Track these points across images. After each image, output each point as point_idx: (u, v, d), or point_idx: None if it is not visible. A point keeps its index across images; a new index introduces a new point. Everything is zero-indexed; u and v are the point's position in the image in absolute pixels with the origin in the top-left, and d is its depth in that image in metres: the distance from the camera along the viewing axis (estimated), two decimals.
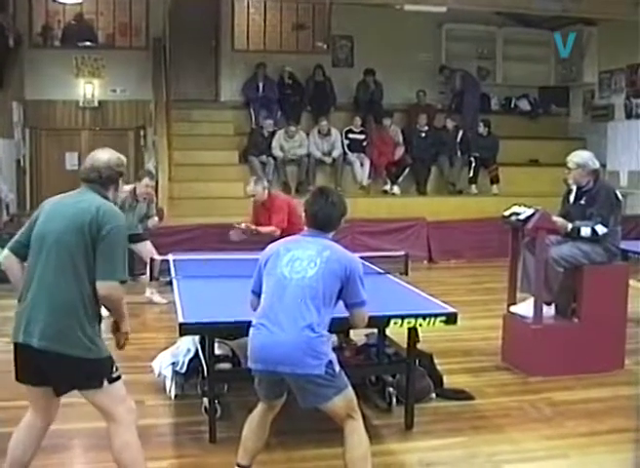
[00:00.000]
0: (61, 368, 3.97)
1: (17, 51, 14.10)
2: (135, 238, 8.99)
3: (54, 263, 3.97)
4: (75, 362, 3.94)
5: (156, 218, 9.55)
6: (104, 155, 4.21)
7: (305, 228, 4.56)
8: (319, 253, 4.29)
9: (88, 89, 14.73)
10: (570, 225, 6.73)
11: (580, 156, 6.92)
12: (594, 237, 6.68)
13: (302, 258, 4.30)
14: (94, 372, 4.02)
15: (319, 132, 14.21)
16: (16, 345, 4.10)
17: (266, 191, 8.88)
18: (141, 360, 6.59)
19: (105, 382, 4.04)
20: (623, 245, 7.42)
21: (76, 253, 3.94)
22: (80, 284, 3.94)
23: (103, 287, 3.94)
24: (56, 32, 14.95)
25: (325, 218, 4.43)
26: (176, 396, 5.95)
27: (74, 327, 3.93)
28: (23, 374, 4.18)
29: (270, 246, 4.57)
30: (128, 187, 9.03)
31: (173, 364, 5.98)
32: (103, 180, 4.14)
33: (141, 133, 14.76)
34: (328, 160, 14.14)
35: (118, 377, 4.13)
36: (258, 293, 4.45)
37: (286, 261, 4.33)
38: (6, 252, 4.28)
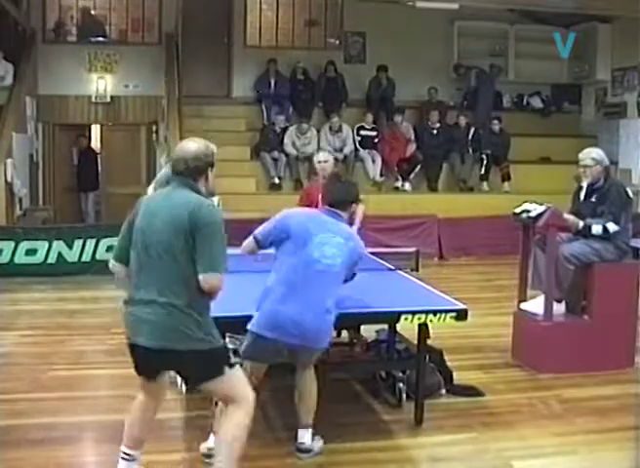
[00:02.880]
0: (185, 363, 4.02)
1: (30, 46, 14.16)
2: None
3: (159, 264, 3.95)
4: (196, 356, 3.96)
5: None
6: (193, 145, 4.14)
7: (323, 207, 5.00)
8: (346, 242, 4.74)
9: (100, 84, 14.77)
10: (581, 223, 6.72)
11: (596, 152, 6.92)
12: (605, 235, 6.67)
13: (331, 245, 4.68)
14: (214, 362, 4.05)
15: (330, 128, 14.21)
16: (133, 345, 4.14)
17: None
18: None
19: (226, 368, 4.07)
20: (634, 243, 7.41)
21: (179, 252, 3.92)
22: (188, 281, 3.94)
23: (206, 280, 3.96)
24: (69, 28, 15.00)
25: (340, 197, 4.92)
26: (187, 390, 5.98)
27: (190, 323, 3.95)
28: (143, 371, 4.27)
29: (296, 212, 4.95)
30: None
31: None
32: (192, 171, 4.08)
33: (154, 128, 14.80)
34: (339, 156, 14.13)
35: (234, 363, 4.18)
36: (261, 244, 4.83)
37: (316, 243, 4.65)
38: (112, 262, 4.21)
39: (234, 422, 4.08)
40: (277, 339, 4.59)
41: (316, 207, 8.20)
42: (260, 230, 4.84)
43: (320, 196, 8.19)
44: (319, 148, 13.93)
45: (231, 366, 4.10)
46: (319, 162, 8.23)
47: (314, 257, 4.62)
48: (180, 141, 4.27)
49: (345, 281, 4.86)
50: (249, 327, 4.69)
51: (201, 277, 3.93)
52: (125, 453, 4.30)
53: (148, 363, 4.15)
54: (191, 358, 3.96)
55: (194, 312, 3.96)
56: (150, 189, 8.50)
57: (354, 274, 4.93)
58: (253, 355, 4.73)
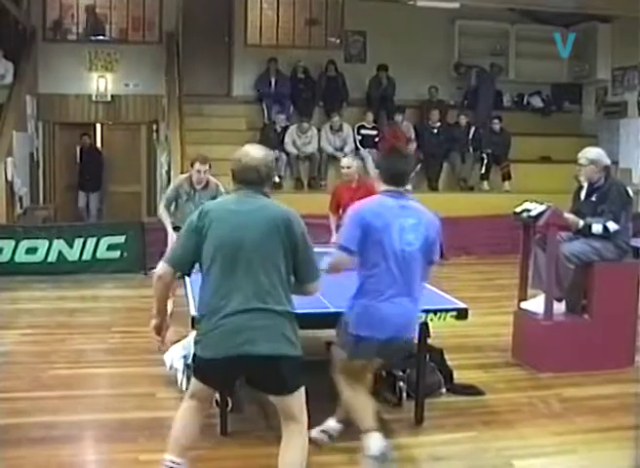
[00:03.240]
0: (281, 369, 3.94)
1: (30, 44, 14.16)
2: None
3: (257, 270, 3.88)
4: (292, 362, 3.94)
5: None
6: (260, 152, 4.09)
7: (384, 186, 4.76)
8: (420, 222, 4.68)
9: (101, 83, 14.78)
10: (581, 222, 6.72)
11: (592, 152, 6.92)
12: (605, 234, 6.67)
13: (408, 229, 4.61)
14: (300, 371, 4.02)
15: (331, 127, 14.21)
16: (214, 359, 3.92)
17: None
18: (153, 353, 6.62)
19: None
20: (635, 242, 7.41)
21: (277, 257, 3.90)
22: (284, 285, 3.94)
23: (314, 287, 4.04)
24: (69, 26, 15.00)
25: (406, 175, 4.91)
26: (187, 389, 5.97)
27: (288, 327, 3.96)
28: (216, 383, 4.16)
29: (365, 207, 4.70)
30: (183, 176, 8.62)
31: (184, 357, 6.00)
32: (263, 179, 4.02)
33: (154, 127, 14.81)
34: (340, 155, 14.12)
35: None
36: (354, 252, 4.59)
37: (396, 231, 4.58)
38: (166, 266, 4.05)
39: (301, 445, 4.02)
40: (391, 337, 4.59)
41: (345, 206, 8.44)
42: (341, 240, 4.67)
43: (349, 196, 8.44)
44: (320, 148, 13.98)
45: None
46: (342, 167, 8.69)
47: (399, 248, 4.56)
48: (245, 150, 4.14)
49: (431, 262, 4.84)
50: (350, 330, 4.65)
51: (310, 285, 4.01)
52: (172, 462, 4.10)
53: (235, 371, 4.03)
54: (288, 364, 3.92)
55: (291, 317, 3.98)
56: (161, 207, 8.44)
57: (441, 252, 4.91)
58: (362, 354, 4.70)
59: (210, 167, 8.25)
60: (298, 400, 4.02)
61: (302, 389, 4.02)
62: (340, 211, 8.32)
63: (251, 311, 3.86)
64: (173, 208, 8.41)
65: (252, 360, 3.85)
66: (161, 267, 4.06)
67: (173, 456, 4.09)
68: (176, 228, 8.17)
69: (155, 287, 4.09)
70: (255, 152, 4.07)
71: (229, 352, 3.85)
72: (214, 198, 8.26)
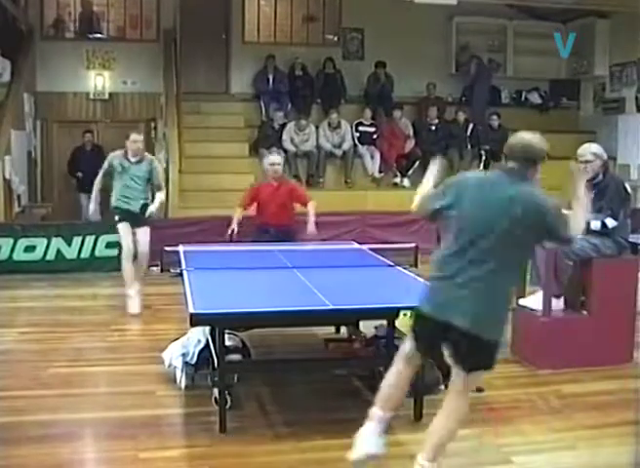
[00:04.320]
0: (476, 350, 4.02)
1: (28, 43, 14.15)
2: (139, 221, 8.83)
3: (492, 251, 4.02)
4: (490, 346, 4.04)
5: (162, 195, 9.15)
6: (528, 135, 4.57)
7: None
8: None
9: (99, 81, 14.79)
10: None
11: (595, 147, 6.94)
12: (604, 230, 6.68)
13: None
14: (495, 355, 4.09)
15: (329, 124, 14.22)
16: (422, 315, 4.17)
17: None
18: (152, 351, 6.64)
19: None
20: (633, 238, 7.41)
21: (511, 243, 4.03)
22: (511, 273, 4.12)
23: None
24: (67, 24, 14.99)
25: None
26: (186, 386, 5.98)
27: (500, 314, 4.07)
28: (420, 343, 4.26)
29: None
30: (118, 151, 8.93)
31: (183, 355, 6.02)
32: (524, 159, 4.44)
33: (152, 125, 14.79)
34: (338, 153, 14.16)
35: None
36: None
37: None
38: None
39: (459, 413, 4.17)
40: None
41: (264, 204, 8.61)
42: None
43: (270, 194, 8.62)
44: (318, 145, 13.97)
45: None
46: (272, 164, 8.72)
47: None
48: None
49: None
50: None
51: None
52: (377, 414, 4.29)
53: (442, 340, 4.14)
54: (487, 347, 4.05)
55: (508, 298, 4.14)
56: (96, 180, 9.00)
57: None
58: None
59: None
60: (478, 377, 4.25)
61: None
62: (257, 208, 8.78)
63: (464, 286, 4.04)
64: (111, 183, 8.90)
65: (442, 327, 4.06)
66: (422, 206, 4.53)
67: (379, 410, 4.30)
68: (116, 211, 8.84)
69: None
70: (524, 135, 4.59)
71: (433, 312, 4.14)
72: (149, 172, 8.85)
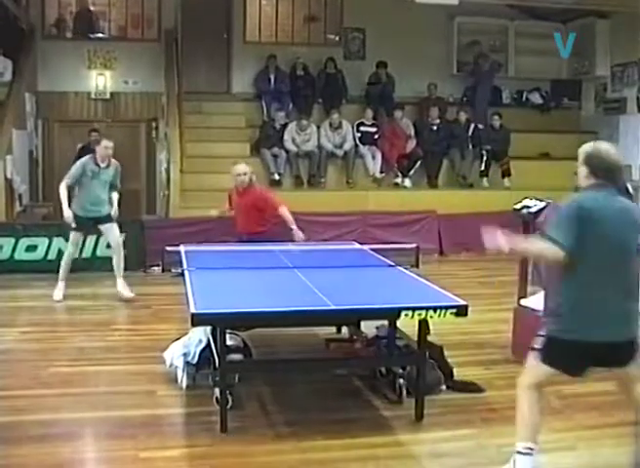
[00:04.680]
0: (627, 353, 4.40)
1: (29, 42, 14.15)
2: (105, 220, 9.29)
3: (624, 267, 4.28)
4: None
5: (115, 194, 9.55)
6: (616, 153, 4.60)
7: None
8: None
9: (100, 80, 14.77)
10: None
11: None
12: None
13: None
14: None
15: (330, 124, 14.21)
16: (581, 343, 4.34)
17: None
18: (153, 350, 6.64)
19: None
20: None
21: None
22: None
23: None
24: (68, 24, 15.00)
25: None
26: (187, 386, 5.99)
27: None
28: (580, 370, 4.66)
29: None
30: (87, 157, 9.30)
31: (184, 354, 6.02)
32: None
33: (153, 124, 14.80)
34: (339, 153, 14.15)
35: None
36: None
37: None
38: (557, 249, 4.23)
39: None
40: None
41: (235, 207, 8.60)
42: None
43: (236, 199, 8.58)
44: (319, 145, 13.96)
45: None
46: (237, 175, 8.59)
47: None
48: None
49: None
50: None
51: None
52: (531, 449, 4.47)
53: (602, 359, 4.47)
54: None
55: None
56: (63, 185, 9.18)
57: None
58: None
59: None
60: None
61: None
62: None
63: (618, 305, 4.33)
64: (76, 189, 9.29)
65: (606, 346, 4.40)
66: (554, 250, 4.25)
67: (532, 444, 4.50)
68: (76, 219, 9.21)
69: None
70: (616, 153, 4.66)
71: (597, 338, 4.36)
72: (114, 176, 9.36)
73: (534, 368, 4.61)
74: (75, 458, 4.97)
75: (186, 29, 14.91)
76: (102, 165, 9.22)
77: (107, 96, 14.83)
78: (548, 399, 6.01)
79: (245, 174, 8.58)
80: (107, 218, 9.34)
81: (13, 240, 10.81)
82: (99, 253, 10.98)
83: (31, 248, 10.87)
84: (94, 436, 5.35)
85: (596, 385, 6.31)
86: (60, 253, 10.84)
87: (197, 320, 4.99)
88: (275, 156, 13.79)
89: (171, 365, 6.14)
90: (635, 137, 14.45)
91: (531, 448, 4.44)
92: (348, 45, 15.90)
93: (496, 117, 14.73)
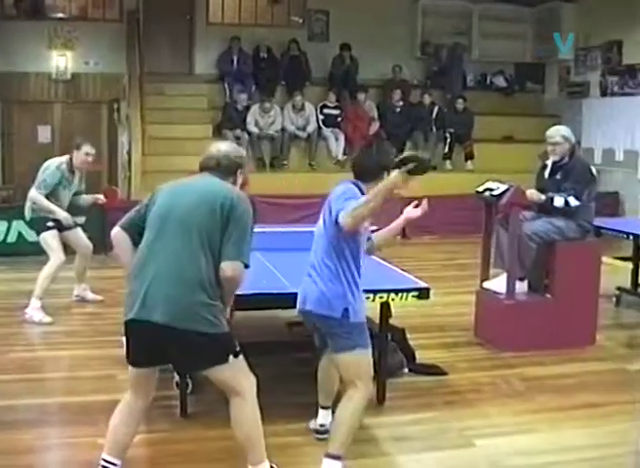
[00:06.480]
0: (187, 345, 3.92)
1: None
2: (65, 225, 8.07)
3: (181, 240, 3.93)
4: (201, 338, 3.89)
5: (87, 197, 8.40)
6: (223, 146, 4.30)
7: None
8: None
9: (61, 61, 14.55)
10: (543, 196, 6.75)
11: (564, 129, 6.98)
12: (567, 208, 6.70)
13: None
14: (220, 348, 3.99)
15: (293, 106, 14.15)
16: (130, 322, 4.09)
17: None
18: (113, 334, 6.55)
19: (231, 357, 4.02)
20: (597, 221, 7.44)
21: (206, 231, 3.90)
22: (207, 261, 3.89)
23: (230, 267, 3.88)
24: (27, 3, 14.74)
25: (359, 167, 4.89)
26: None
27: (199, 303, 3.88)
28: (135, 354, 4.18)
29: None
30: (64, 158, 8.00)
31: None
32: (221, 169, 4.17)
33: (115, 106, 14.62)
34: (302, 135, 14.10)
35: (240, 351, 4.09)
36: None
37: None
38: (116, 228, 4.22)
39: (245, 415, 4.22)
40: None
41: None
42: None
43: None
44: (282, 127, 13.89)
45: (236, 355, 4.06)
46: (87, 154, 8.00)
47: None
48: (215, 144, 4.37)
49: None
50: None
51: (224, 264, 3.90)
52: (106, 461, 4.10)
53: (151, 342, 4.11)
54: (198, 340, 3.93)
55: (208, 292, 3.92)
56: (40, 195, 7.74)
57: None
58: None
59: None
60: (226, 372, 4.07)
61: (230, 362, 4.04)
62: None
63: (160, 280, 3.93)
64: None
65: (149, 326, 4.01)
66: (115, 231, 4.23)
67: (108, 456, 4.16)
68: (52, 222, 7.87)
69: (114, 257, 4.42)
70: (220, 145, 4.31)
71: (135, 315, 4.10)
72: (80, 179, 8.16)
73: None
74: (34, 445, 4.89)
75: (149, 10, 14.72)
76: (78, 174, 8.06)
77: (68, 76, 14.61)
78: (510, 381, 6.06)
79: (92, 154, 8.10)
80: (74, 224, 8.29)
81: None
82: None
83: None
84: (53, 422, 5.28)
85: (558, 368, 6.39)
86: (21, 236, 10.72)
87: None
88: (238, 138, 13.69)
89: None
90: (598, 121, 14.55)
91: None
92: (312, 27, 15.80)
93: (459, 100, 14.74)
